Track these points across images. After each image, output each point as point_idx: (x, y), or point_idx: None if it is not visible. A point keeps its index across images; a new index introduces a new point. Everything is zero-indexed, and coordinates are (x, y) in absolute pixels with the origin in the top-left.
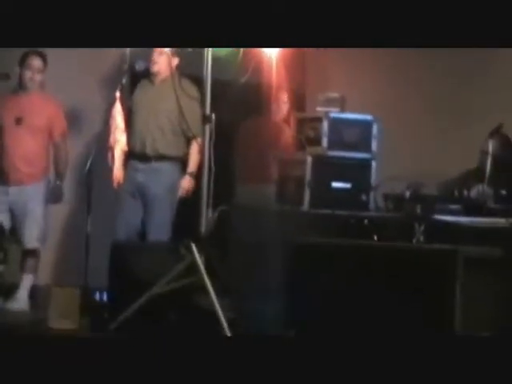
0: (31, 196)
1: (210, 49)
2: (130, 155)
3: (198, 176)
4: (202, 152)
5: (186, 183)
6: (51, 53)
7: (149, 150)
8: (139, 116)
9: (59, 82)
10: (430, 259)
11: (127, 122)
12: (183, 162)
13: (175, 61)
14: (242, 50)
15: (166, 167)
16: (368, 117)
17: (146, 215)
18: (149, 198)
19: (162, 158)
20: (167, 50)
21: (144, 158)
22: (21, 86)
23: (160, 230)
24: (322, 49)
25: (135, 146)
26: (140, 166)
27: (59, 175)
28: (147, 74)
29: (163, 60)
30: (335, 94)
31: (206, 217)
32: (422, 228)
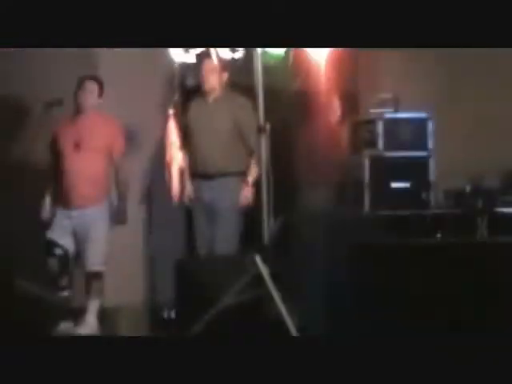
0: (94, 218)
1: (259, 57)
2: (192, 174)
3: (257, 186)
4: (259, 162)
5: (246, 194)
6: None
7: (211, 169)
8: (197, 135)
9: (112, 101)
10: (497, 253)
11: (184, 139)
12: (246, 175)
13: (225, 76)
14: (291, 55)
15: (229, 183)
16: (422, 115)
17: (214, 230)
18: (216, 214)
19: (224, 175)
20: (217, 66)
21: (207, 176)
22: (78, 110)
23: (228, 243)
24: (373, 49)
25: (196, 165)
26: (204, 184)
27: (121, 195)
28: (198, 90)
29: (214, 77)
30: (388, 95)
31: (268, 226)
32: (485, 222)
